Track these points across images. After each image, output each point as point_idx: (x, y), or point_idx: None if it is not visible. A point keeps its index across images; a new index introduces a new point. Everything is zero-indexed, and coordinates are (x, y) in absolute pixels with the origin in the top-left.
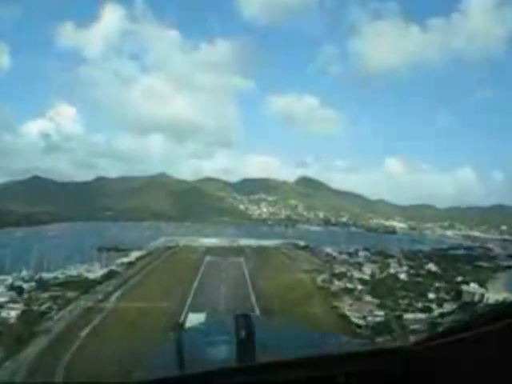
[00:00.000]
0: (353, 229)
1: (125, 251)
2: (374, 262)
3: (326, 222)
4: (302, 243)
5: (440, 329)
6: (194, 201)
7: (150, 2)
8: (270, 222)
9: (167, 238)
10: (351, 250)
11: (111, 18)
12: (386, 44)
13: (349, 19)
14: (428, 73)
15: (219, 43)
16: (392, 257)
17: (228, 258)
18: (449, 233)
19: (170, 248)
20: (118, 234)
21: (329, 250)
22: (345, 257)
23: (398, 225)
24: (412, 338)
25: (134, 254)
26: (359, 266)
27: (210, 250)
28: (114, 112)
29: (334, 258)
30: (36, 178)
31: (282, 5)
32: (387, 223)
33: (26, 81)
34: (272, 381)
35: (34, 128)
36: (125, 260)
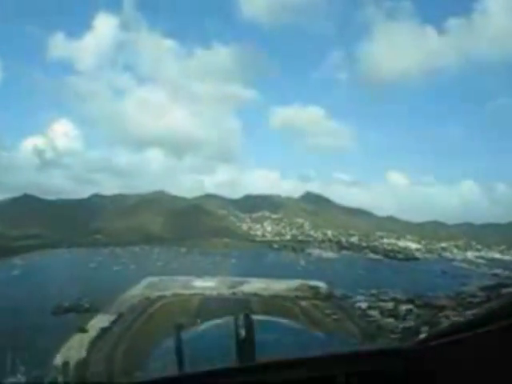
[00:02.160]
0: (370, 255)
1: (87, 312)
2: (429, 324)
3: (338, 244)
4: (322, 286)
5: (440, 329)
6: (193, 220)
7: (143, 9)
8: (276, 246)
9: (153, 279)
10: (389, 302)
11: (105, 29)
12: (397, 49)
13: (358, 21)
14: (441, 80)
15: (217, 49)
16: (444, 308)
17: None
18: (469, 255)
19: (151, 302)
20: (98, 269)
21: (362, 303)
22: (391, 321)
23: (413, 245)
24: (412, 338)
25: (95, 325)
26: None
27: (204, 306)
28: (110, 126)
29: (380, 326)
30: (27, 197)
31: (286, 5)
32: (400, 243)
33: (19, 95)
34: (272, 381)
35: (28, 143)
36: (71, 352)
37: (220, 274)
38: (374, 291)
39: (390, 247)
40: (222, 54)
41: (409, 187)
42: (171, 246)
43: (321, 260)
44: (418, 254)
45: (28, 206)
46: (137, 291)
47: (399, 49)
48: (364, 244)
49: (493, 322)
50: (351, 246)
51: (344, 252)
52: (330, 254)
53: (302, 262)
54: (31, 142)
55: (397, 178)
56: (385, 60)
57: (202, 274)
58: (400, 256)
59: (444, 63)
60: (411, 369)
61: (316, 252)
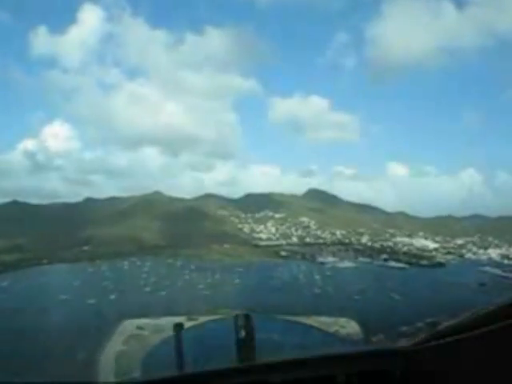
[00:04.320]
0: (392, 263)
1: None
2: None
3: (349, 246)
4: (355, 331)
5: (440, 329)
6: (191, 224)
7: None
8: (283, 253)
9: (132, 327)
10: None
11: (89, 20)
12: (409, 30)
13: None
14: (459, 62)
15: (210, 34)
16: None
17: None
18: (493, 254)
19: None
20: (67, 304)
21: None
22: None
23: (429, 244)
24: (412, 338)
25: None
26: None
27: None
28: (101, 124)
29: None
30: (14, 203)
31: None
32: (414, 241)
33: (3, 96)
34: (272, 381)
35: (17, 145)
36: None
37: (220, 304)
38: (419, 324)
39: (406, 248)
40: (215, 40)
41: (413, 180)
42: (166, 258)
43: (337, 272)
44: (438, 256)
45: (16, 212)
46: (98, 373)
47: (411, 30)
48: (377, 245)
49: (493, 322)
50: (365, 249)
51: (360, 259)
52: (346, 264)
53: (318, 278)
54: (20, 145)
55: (402, 172)
56: (395, 43)
57: (197, 305)
58: (424, 262)
59: (455, 46)
60: (411, 369)
61: (329, 261)
